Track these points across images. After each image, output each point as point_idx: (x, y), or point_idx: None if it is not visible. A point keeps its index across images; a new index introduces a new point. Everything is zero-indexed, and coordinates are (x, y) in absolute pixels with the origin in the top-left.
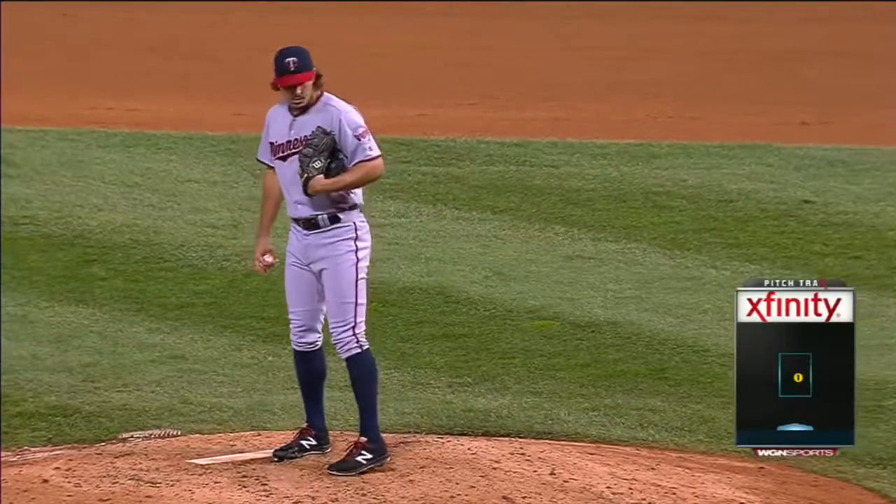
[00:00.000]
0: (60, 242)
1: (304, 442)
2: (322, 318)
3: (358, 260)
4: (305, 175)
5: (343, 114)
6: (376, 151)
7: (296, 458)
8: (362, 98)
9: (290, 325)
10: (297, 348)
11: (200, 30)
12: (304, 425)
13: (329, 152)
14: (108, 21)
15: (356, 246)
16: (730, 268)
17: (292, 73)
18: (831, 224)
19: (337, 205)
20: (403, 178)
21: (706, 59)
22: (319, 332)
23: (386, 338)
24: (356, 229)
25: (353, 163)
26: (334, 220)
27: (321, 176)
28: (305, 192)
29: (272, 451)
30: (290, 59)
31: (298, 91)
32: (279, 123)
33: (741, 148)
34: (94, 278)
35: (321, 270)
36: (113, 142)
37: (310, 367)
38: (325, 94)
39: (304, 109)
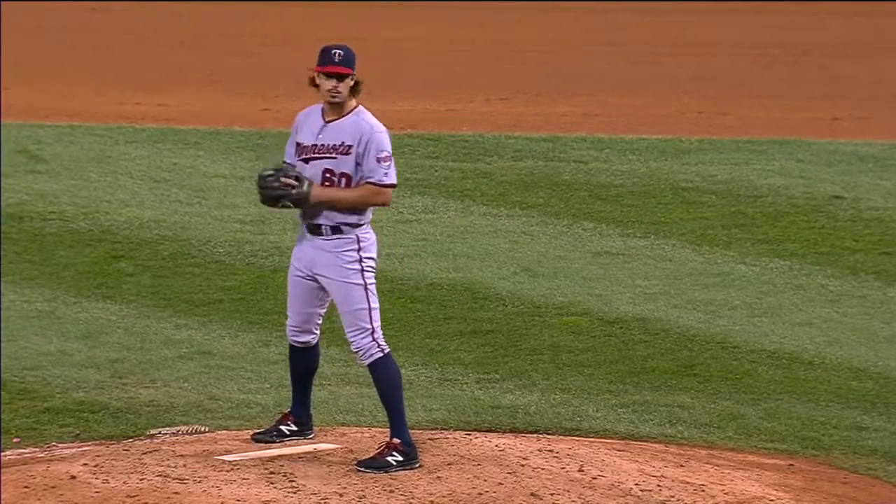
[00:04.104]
0: (88, 238)
1: (283, 427)
2: (319, 321)
3: (363, 269)
4: (305, 191)
5: (374, 134)
6: (391, 180)
7: (273, 441)
8: (392, 92)
9: (287, 322)
10: (292, 343)
11: (229, 24)
12: (286, 411)
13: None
14: (136, 15)
15: (360, 256)
16: (759, 264)
17: (336, 64)
18: (862, 220)
19: (343, 217)
20: (431, 174)
21: (737, 54)
22: (315, 333)
23: (413, 334)
24: (359, 241)
25: (365, 181)
26: (336, 230)
27: (316, 184)
28: (307, 205)
29: (307, 446)
30: (337, 50)
31: (336, 83)
32: (310, 125)
33: (771, 143)
34: (121, 274)
35: (327, 281)
36: (141, 137)
37: (302, 362)
38: (360, 106)
39: (337, 112)
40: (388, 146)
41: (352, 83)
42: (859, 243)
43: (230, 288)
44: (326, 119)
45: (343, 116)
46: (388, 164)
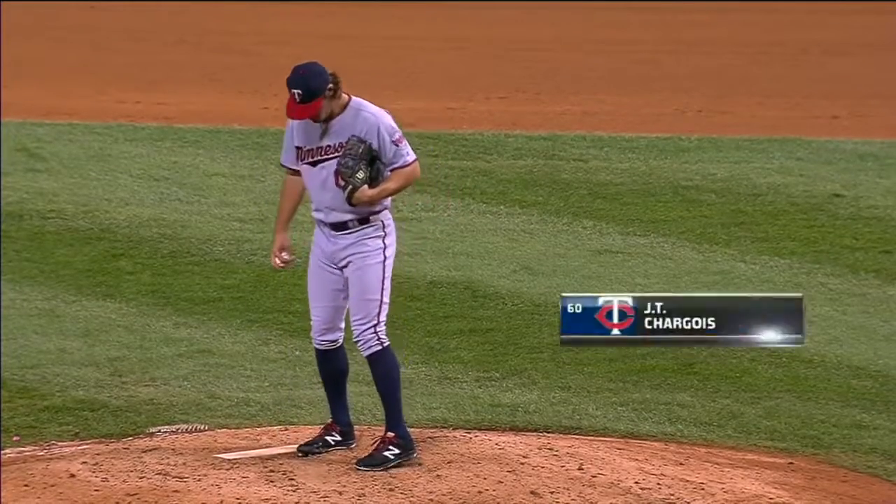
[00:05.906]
0: (87, 237)
1: (328, 437)
2: (344, 315)
3: (385, 258)
4: (350, 186)
5: (380, 120)
6: (413, 155)
7: (320, 453)
8: (391, 91)
9: (312, 323)
10: (318, 346)
11: (229, 23)
12: (329, 421)
13: (368, 160)
14: (136, 14)
15: (384, 244)
16: (759, 262)
17: (297, 105)
18: (861, 218)
19: (370, 207)
20: (431, 172)
21: (737, 53)
22: (341, 331)
23: (413, 332)
24: (384, 227)
25: (391, 168)
26: (363, 221)
27: (365, 186)
28: (350, 203)
29: (297, 446)
30: (296, 90)
31: (308, 119)
32: (309, 128)
33: (770, 141)
34: (121, 272)
35: (348, 266)
36: (140, 136)
37: (331, 365)
38: (354, 98)
39: (331, 116)
40: (395, 125)
41: (328, 96)
42: (859, 241)
43: (230, 286)
44: (325, 119)
45: (342, 113)
46: (403, 142)
